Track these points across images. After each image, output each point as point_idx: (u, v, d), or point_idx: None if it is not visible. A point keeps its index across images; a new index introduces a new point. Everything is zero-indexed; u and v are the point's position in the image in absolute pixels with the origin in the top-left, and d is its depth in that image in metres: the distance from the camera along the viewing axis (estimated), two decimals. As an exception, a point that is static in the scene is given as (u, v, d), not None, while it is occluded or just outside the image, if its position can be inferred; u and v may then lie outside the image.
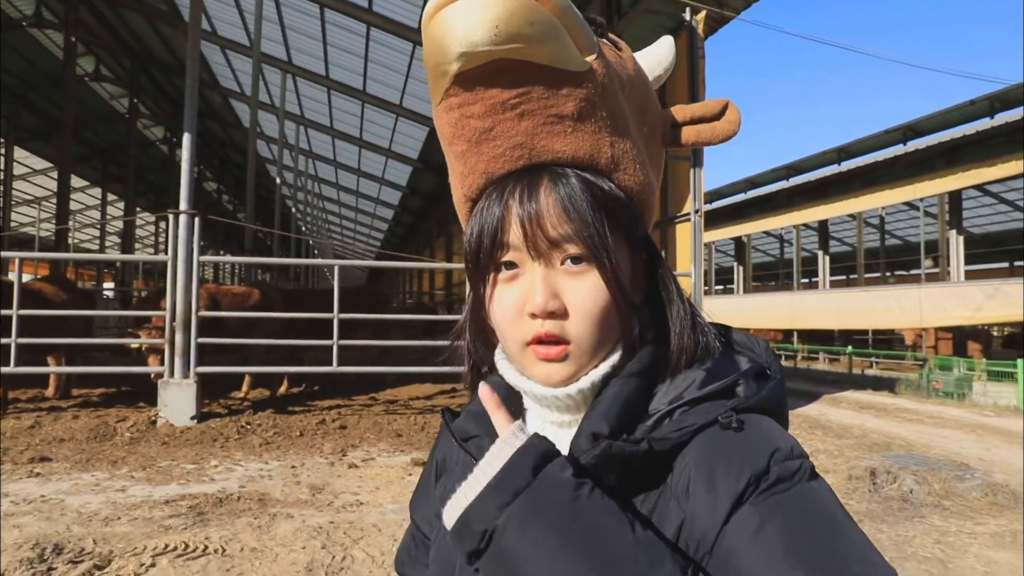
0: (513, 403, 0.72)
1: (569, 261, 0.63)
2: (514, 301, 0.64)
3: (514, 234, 0.64)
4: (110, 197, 29.26)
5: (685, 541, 0.57)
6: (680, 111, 0.81)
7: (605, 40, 0.72)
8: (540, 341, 0.63)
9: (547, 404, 0.67)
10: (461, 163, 0.67)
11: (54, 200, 17.66)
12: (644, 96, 0.75)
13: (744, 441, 0.59)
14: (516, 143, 0.63)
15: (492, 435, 0.68)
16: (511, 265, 0.65)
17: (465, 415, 0.75)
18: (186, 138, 7.17)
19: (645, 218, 0.71)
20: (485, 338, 0.73)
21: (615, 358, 0.65)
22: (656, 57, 0.87)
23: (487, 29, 0.55)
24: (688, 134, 0.81)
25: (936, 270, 19.55)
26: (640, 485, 0.61)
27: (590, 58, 0.62)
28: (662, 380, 0.66)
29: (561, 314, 0.63)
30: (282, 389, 9.12)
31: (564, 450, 0.63)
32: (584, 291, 0.63)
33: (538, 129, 0.63)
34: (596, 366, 0.65)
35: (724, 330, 0.74)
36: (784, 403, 0.68)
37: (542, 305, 0.62)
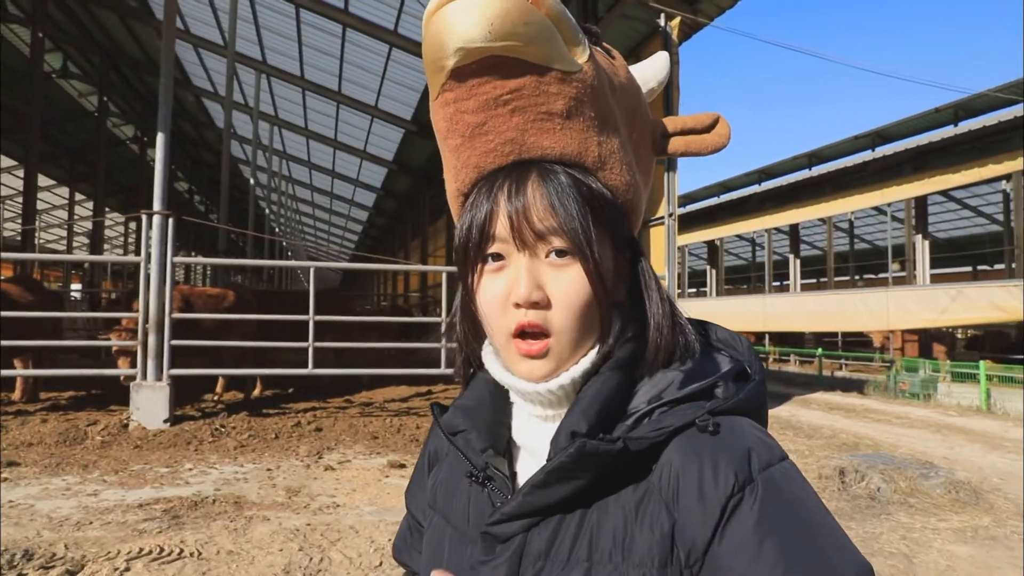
0: (500, 397, 0.75)
1: (554, 254, 0.65)
2: (500, 291, 0.66)
3: (501, 226, 0.66)
4: (78, 197, 28.69)
5: (678, 544, 0.60)
6: (671, 122, 0.84)
7: (599, 48, 0.74)
8: (523, 334, 0.65)
9: (530, 399, 0.69)
10: (455, 157, 0.69)
11: (19, 199, 17.25)
12: (635, 103, 0.78)
13: (724, 445, 0.61)
14: (507, 138, 0.66)
15: (478, 429, 0.72)
16: (498, 256, 0.67)
17: (453, 410, 0.77)
18: (160, 138, 7.08)
19: (631, 218, 0.73)
20: (475, 331, 0.75)
21: (595, 354, 0.67)
22: (651, 71, 0.90)
23: (482, 26, 0.58)
24: (677, 144, 0.83)
25: (903, 274, 20.01)
26: (619, 481, 0.63)
27: (581, 60, 0.65)
28: (641, 377, 0.68)
29: (544, 305, 0.64)
30: (256, 392, 9.05)
31: (547, 443, 0.66)
32: (567, 283, 0.65)
33: (528, 125, 0.65)
34: (576, 362, 0.66)
35: (708, 328, 0.76)
36: (763, 404, 0.70)
37: (526, 295, 0.64)
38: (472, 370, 0.79)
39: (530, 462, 0.70)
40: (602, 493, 0.64)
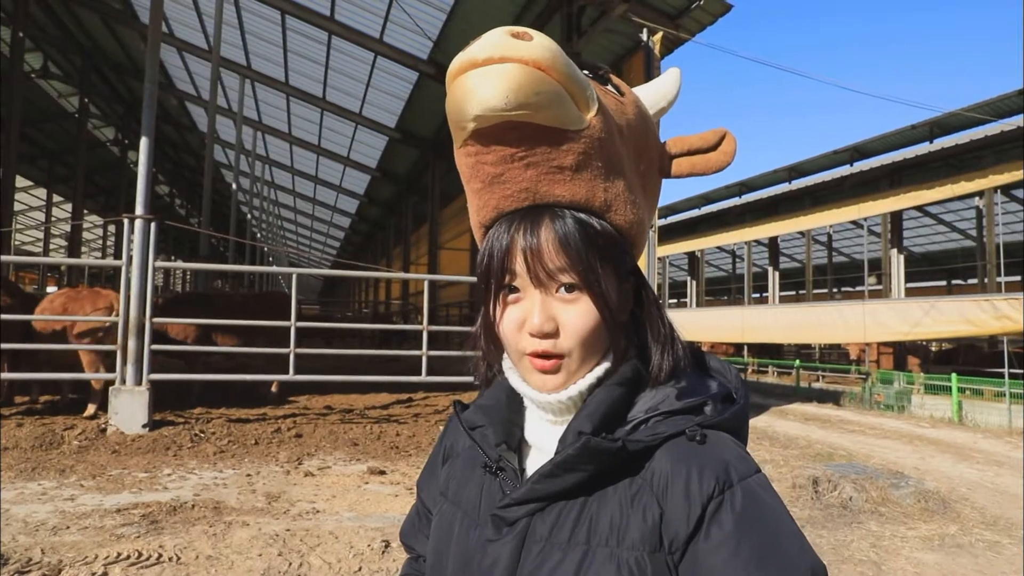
0: (514, 400, 0.84)
1: (563, 289, 0.74)
2: (516, 318, 0.76)
3: (518, 263, 0.75)
4: (56, 198, 28.32)
5: (662, 533, 0.69)
6: (677, 143, 0.89)
7: (609, 86, 0.80)
8: (536, 355, 0.75)
9: (542, 407, 0.79)
10: (477, 198, 0.78)
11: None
12: (643, 136, 0.84)
13: (708, 454, 0.71)
14: (522, 188, 0.74)
15: (496, 426, 0.82)
16: (514, 288, 0.76)
17: (474, 408, 0.87)
18: (144, 142, 7.06)
19: (635, 251, 0.81)
20: (496, 343, 0.83)
21: (600, 370, 0.77)
22: (660, 91, 0.95)
23: (499, 98, 0.64)
24: (683, 166, 0.89)
25: (880, 287, 20.32)
26: (614, 476, 0.73)
27: (589, 115, 0.71)
28: (641, 391, 0.78)
29: (554, 334, 0.74)
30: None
31: (555, 442, 0.77)
32: (575, 315, 0.74)
33: (541, 177, 0.73)
34: (583, 377, 0.76)
35: (705, 357, 0.87)
36: (744, 424, 0.81)
37: (538, 327, 0.73)
38: (491, 375, 0.89)
39: (538, 458, 0.80)
40: (601, 486, 0.73)
